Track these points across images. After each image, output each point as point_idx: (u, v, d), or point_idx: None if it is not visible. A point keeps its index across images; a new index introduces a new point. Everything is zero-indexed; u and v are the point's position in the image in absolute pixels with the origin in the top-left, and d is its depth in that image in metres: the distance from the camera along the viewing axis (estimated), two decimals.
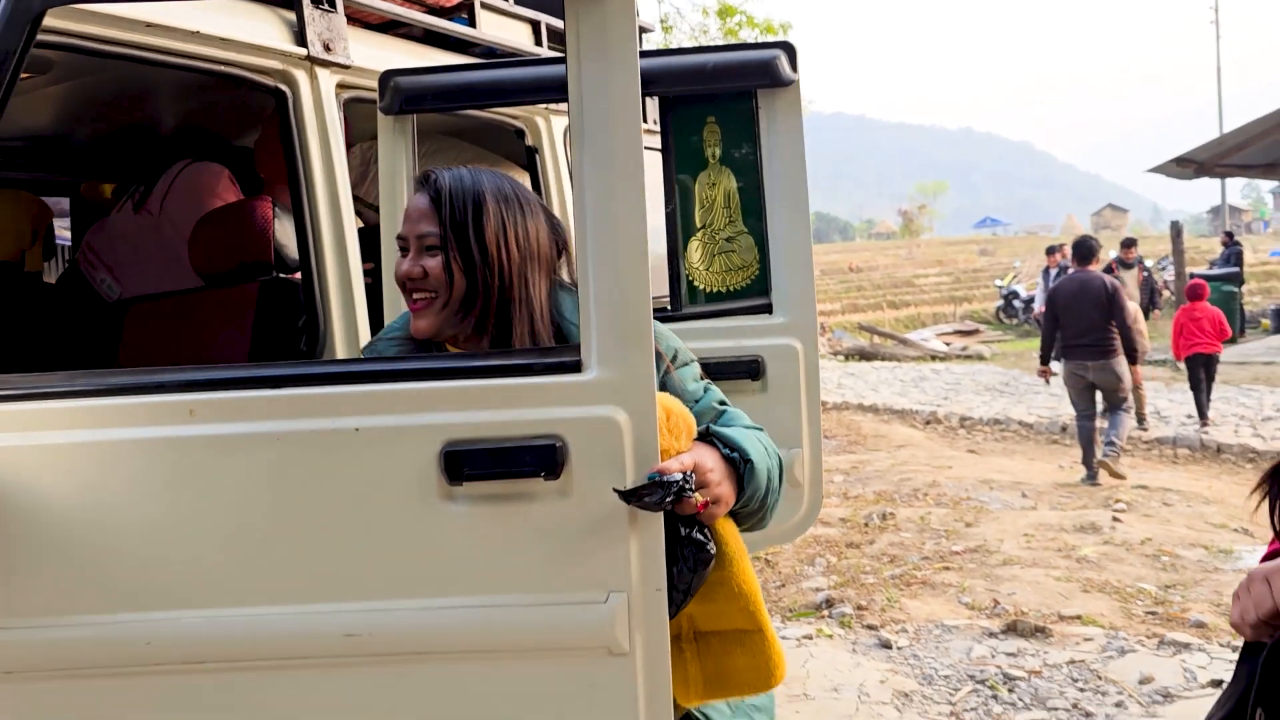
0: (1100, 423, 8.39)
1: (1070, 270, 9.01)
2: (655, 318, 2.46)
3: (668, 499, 1.40)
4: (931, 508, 7.64)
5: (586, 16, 1.46)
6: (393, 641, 1.45)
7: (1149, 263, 16.02)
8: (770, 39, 16.60)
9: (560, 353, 1.48)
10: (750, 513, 1.62)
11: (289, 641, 1.45)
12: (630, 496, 1.40)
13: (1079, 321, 8.19)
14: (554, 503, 1.44)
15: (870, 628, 5.06)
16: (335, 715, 1.47)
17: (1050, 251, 16.04)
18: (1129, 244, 14.42)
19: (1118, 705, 4.02)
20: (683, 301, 2.59)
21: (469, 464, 1.42)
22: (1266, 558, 1.58)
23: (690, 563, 1.48)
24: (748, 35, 17.04)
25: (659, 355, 1.67)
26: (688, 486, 1.43)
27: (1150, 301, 13.78)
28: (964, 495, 8.00)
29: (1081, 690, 4.21)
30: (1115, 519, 7.03)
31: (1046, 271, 15.74)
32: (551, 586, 1.44)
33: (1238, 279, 18.70)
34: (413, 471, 1.43)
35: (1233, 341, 17.64)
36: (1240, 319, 18.87)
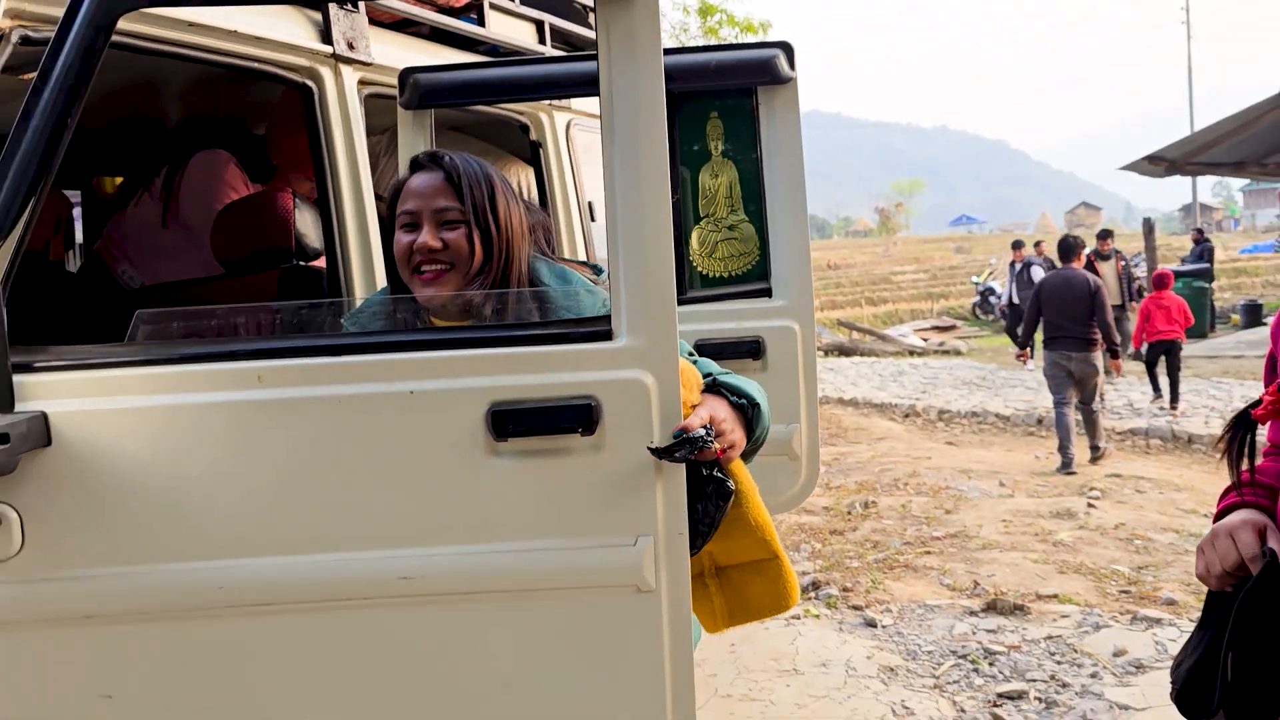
0: (1075, 415, 8.86)
1: (1033, 264, 9.72)
2: None
3: (693, 452, 1.57)
4: (912, 496, 7.84)
5: (616, 22, 1.61)
6: (444, 583, 1.60)
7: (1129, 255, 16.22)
8: (750, 37, 16.78)
9: (594, 323, 1.64)
10: (753, 450, 1.81)
11: (350, 584, 1.60)
12: (662, 453, 1.56)
13: (1062, 315, 8.66)
14: (588, 456, 1.60)
15: (855, 608, 5.24)
16: (393, 651, 1.62)
17: (1016, 246, 16.37)
18: (1105, 235, 14.62)
19: (1093, 676, 4.22)
20: (688, 286, 2.76)
21: (513, 422, 1.58)
22: (1219, 514, 1.75)
23: (714, 499, 1.66)
24: (728, 34, 17.20)
25: None
26: (709, 438, 1.59)
27: (1128, 293, 13.97)
28: (943, 484, 8.21)
29: (1059, 663, 4.40)
30: (1090, 505, 7.26)
31: (1013, 266, 16.04)
32: (586, 531, 1.60)
33: (1208, 275, 19.05)
34: (462, 430, 1.59)
35: (1200, 334, 18.00)
36: (1210, 314, 19.22)
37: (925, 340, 21.22)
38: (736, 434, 1.73)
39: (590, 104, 3.61)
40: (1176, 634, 4.65)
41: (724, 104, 2.66)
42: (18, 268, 1.60)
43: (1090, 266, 12.00)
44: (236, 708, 1.63)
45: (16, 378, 1.56)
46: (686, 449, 1.56)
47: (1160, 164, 19.19)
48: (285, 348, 1.62)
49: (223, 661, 1.62)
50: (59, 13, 1.92)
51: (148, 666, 1.62)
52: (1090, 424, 8.92)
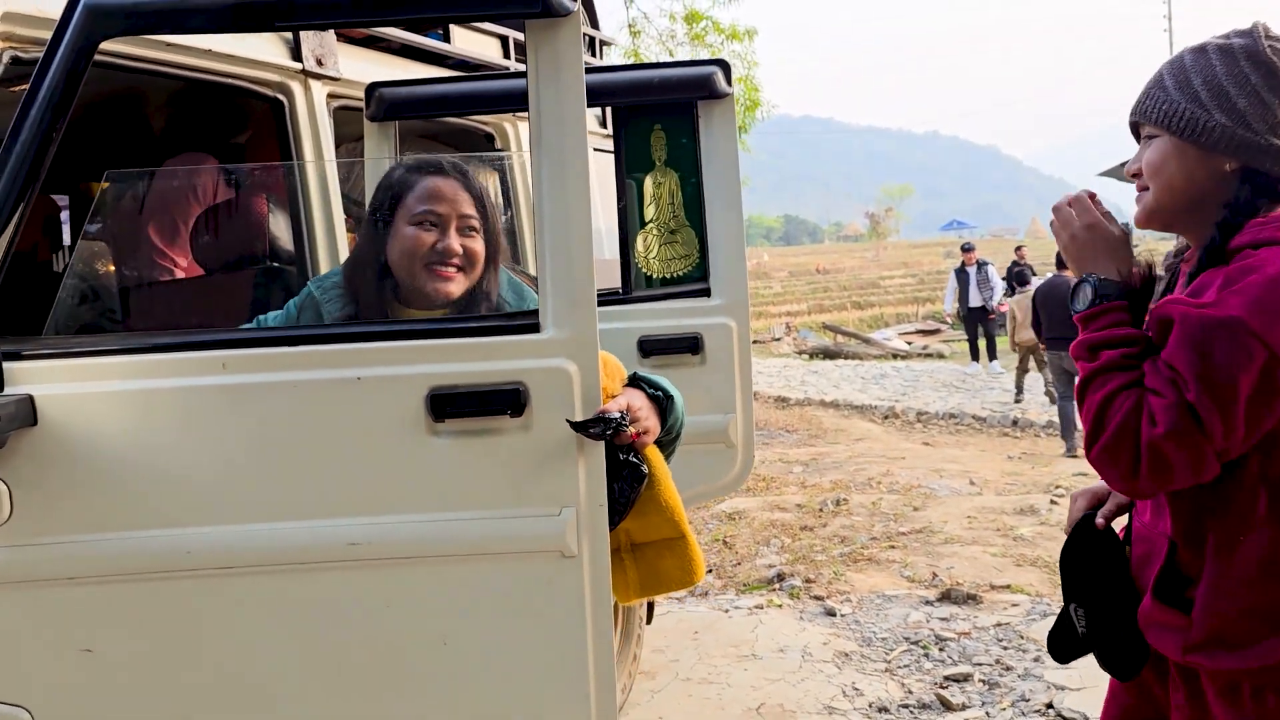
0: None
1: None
2: (608, 301, 2.83)
3: (607, 431, 1.76)
4: (883, 494, 8.05)
5: (543, 44, 1.81)
6: (388, 549, 1.80)
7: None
8: (736, 45, 16.99)
9: (522, 316, 1.84)
10: (670, 441, 2.00)
11: (303, 550, 1.79)
12: (579, 427, 1.76)
13: (1061, 317, 9.12)
14: (518, 436, 1.79)
15: (817, 598, 5.44)
16: (342, 610, 1.81)
17: (966, 250, 15.99)
18: None
19: (1035, 660, 4.43)
20: (633, 286, 2.96)
21: (450, 405, 1.77)
22: None
23: (628, 481, 1.85)
24: (714, 40, 17.37)
25: None
26: (623, 423, 1.79)
27: None
28: (915, 483, 8.43)
29: (1005, 648, 4.61)
30: (1053, 502, 7.47)
31: (962, 270, 15.47)
32: (516, 503, 1.80)
33: None
34: (404, 412, 1.78)
35: None
36: None
37: (909, 344, 21.48)
38: (651, 421, 1.91)
39: None
40: None
41: (667, 117, 2.86)
42: (7, 267, 1.79)
43: None
44: (202, 659, 1.82)
45: (6, 364, 1.75)
46: (600, 427, 1.76)
47: None
48: (247, 338, 1.82)
49: (190, 618, 1.81)
50: (47, 35, 2.12)
51: (123, 623, 1.81)
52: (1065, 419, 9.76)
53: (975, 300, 15.30)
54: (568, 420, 1.76)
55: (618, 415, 1.78)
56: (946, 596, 5.30)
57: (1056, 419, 10.52)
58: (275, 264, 3.06)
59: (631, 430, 1.83)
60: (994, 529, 6.82)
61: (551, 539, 1.80)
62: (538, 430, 1.79)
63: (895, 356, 19.92)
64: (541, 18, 1.77)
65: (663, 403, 1.95)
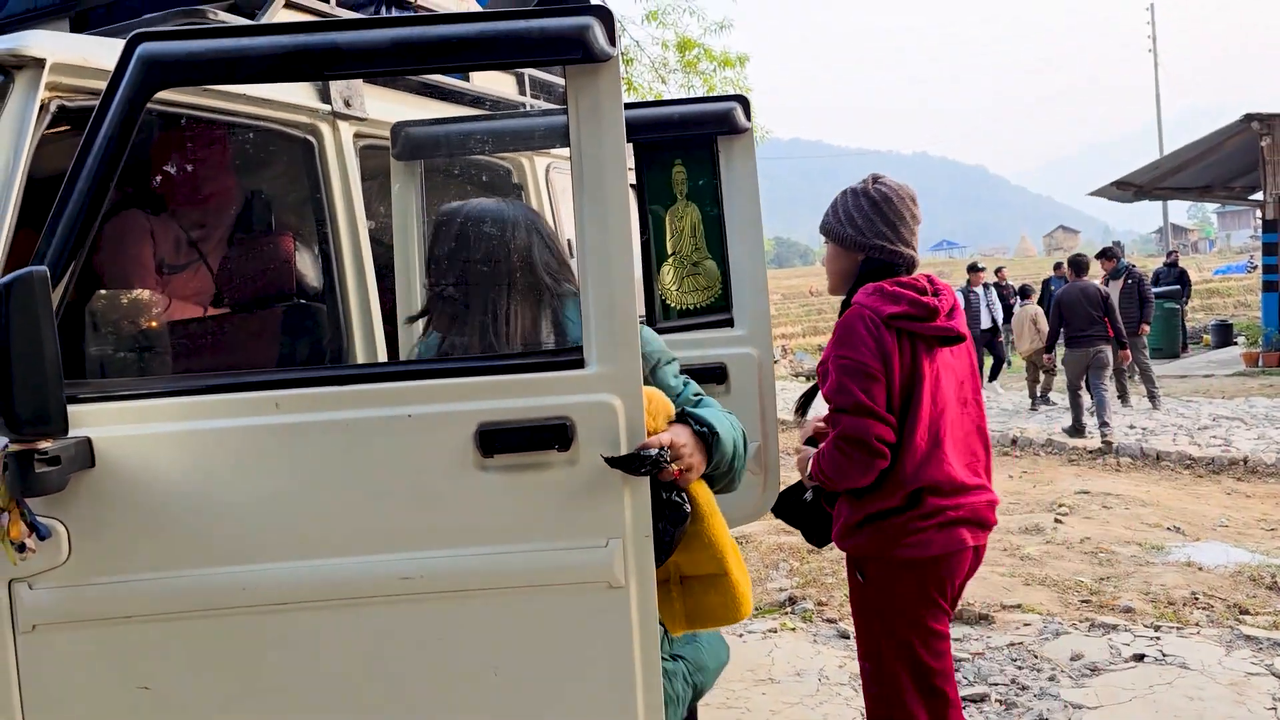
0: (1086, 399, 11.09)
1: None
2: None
3: (644, 468, 1.80)
4: None
5: (584, 89, 1.87)
6: (440, 582, 1.84)
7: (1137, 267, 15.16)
8: (729, 71, 17.13)
9: (567, 352, 1.89)
10: (721, 475, 2.02)
11: (356, 584, 1.84)
12: (615, 462, 1.80)
13: (1082, 319, 10.95)
14: (564, 469, 1.84)
15: (830, 621, 5.46)
16: (395, 642, 1.85)
17: (974, 270, 15.70)
18: (1105, 255, 14.02)
19: (1050, 679, 4.46)
20: (657, 317, 3.01)
21: (498, 441, 1.82)
22: None
23: (671, 519, 1.89)
24: (706, 68, 17.51)
25: (646, 356, 2.09)
26: (664, 458, 1.83)
27: (1141, 314, 13.21)
28: None
29: (1019, 668, 4.64)
30: (1058, 521, 7.52)
31: (969, 291, 15.10)
32: (563, 535, 1.84)
33: (1179, 296, 19.43)
34: (454, 448, 1.83)
35: (1172, 354, 18.34)
36: (1183, 335, 19.60)
37: None
38: (695, 459, 1.93)
39: (568, 150, 3.87)
40: (1130, 638, 4.90)
41: (687, 152, 2.93)
42: (63, 312, 1.84)
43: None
44: (258, 695, 1.86)
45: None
46: (636, 464, 1.80)
47: (1128, 189, 19.61)
48: (299, 378, 1.86)
49: (247, 655, 1.85)
50: (88, 84, 2.18)
51: (180, 660, 1.85)
52: (1101, 403, 10.68)
53: (985, 322, 15.04)
54: (603, 456, 1.80)
55: (656, 452, 1.82)
56: (958, 617, 5.33)
57: (1054, 437, 11.05)
58: (302, 301, 3.11)
59: (674, 467, 1.86)
60: (1000, 549, 6.85)
61: (599, 570, 1.84)
62: (584, 463, 1.84)
63: None
64: (583, 63, 1.83)
65: (708, 439, 1.98)
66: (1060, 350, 11.64)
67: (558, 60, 1.87)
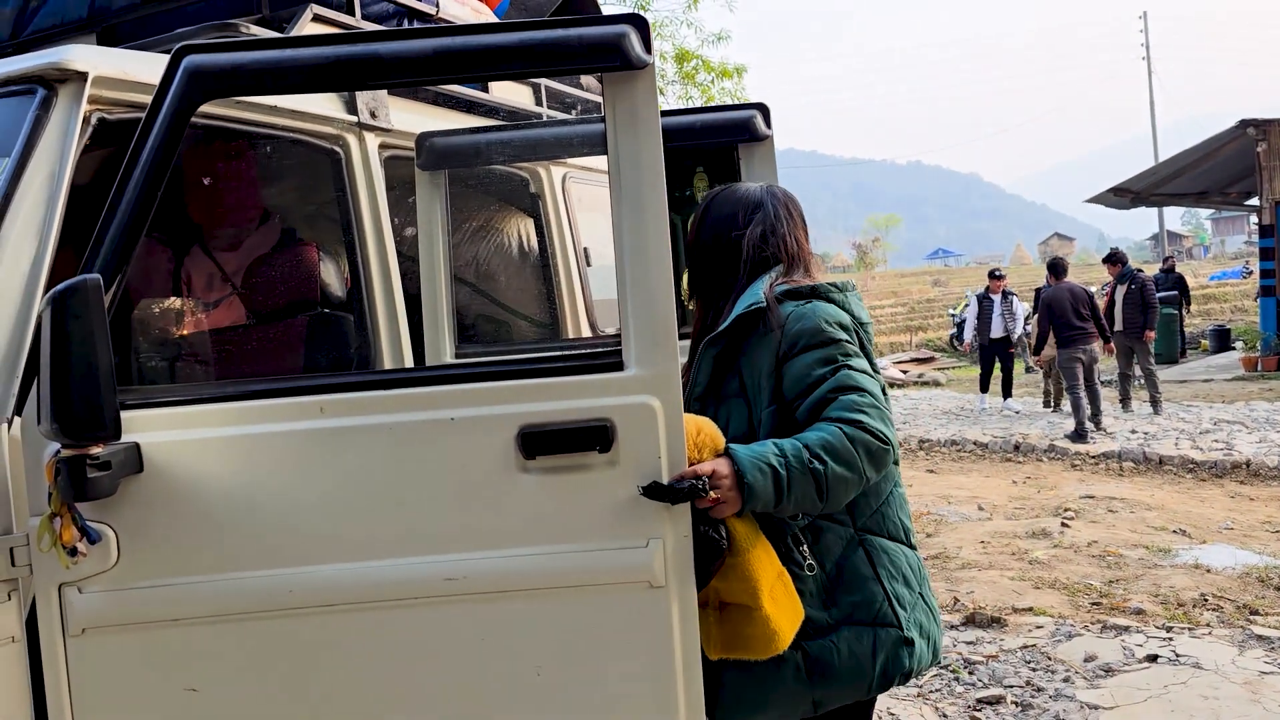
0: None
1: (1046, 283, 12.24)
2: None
3: (678, 497, 1.83)
4: None
5: (620, 96, 1.91)
6: (484, 583, 1.87)
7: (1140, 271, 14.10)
8: (727, 82, 17.22)
9: (607, 355, 1.92)
10: (779, 509, 1.91)
11: (401, 586, 1.86)
12: (651, 491, 1.83)
13: (1072, 318, 11.41)
14: (605, 471, 1.87)
15: None
16: (440, 642, 1.88)
17: (995, 276, 15.02)
18: (1113, 260, 13.76)
19: (1065, 681, 4.49)
20: (680, 324, 3.05)
21: (540, 443, 1.85)
22: None
23: (705, 554, 1.91)
24: (704, 79, 17.60)
25: (783, 337, 2.07)
26: (700, 488, 1.84)
27: (1145, 320, 12.78)
28: (924, 510, 8.49)
29: (1034, 670, 4.67)
30: (1064, 525, 7.55)
31: (986, 297, 14.65)
32: (605, 535, 1.87)
33: (1176, 302, 19.49)
34: (496, 450, 1.86)
35: (1171, 359, 18.39)
36: (1181, 340, 19.66)
37: (905, 372, 21.57)
38: (730, 494, 1.86)
39: (584, 159, 3.91)
40: (1143, 640, 4.92)
41: (708, 159, 2.96)
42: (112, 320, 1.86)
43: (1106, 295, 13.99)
44: (305, 695, 1.88)
45: None
46: (670, 495, 1.83)
47: (1125, 196, 19.70)
48: (343, 382, 1.89)
49: (293, 656, 1.88)
50: (129, 97, 2.21)
51: (227, 663, 1.88)
52: (1094, 397, 11.41)
53: (998, 330, 14.28)
54: (639, 487, 1.83)
55: (689, 484, 1.84)
56: (971, 620, 5.36)
57: (1057, 443, 11.07)
58: (327, 310, 3.13)
59: (710, 497, 1.85)
60: (1009, 553, 6.89)
61: (640, 570, 1.87)
62: (624, 465, 1.87)
63: (892, 385, 20.03)
64: (620, 70, 1.87)
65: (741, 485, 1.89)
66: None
67: (596, 68, 1.90)
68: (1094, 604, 5.66)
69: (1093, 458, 10.43)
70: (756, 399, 2.09)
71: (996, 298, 14.48)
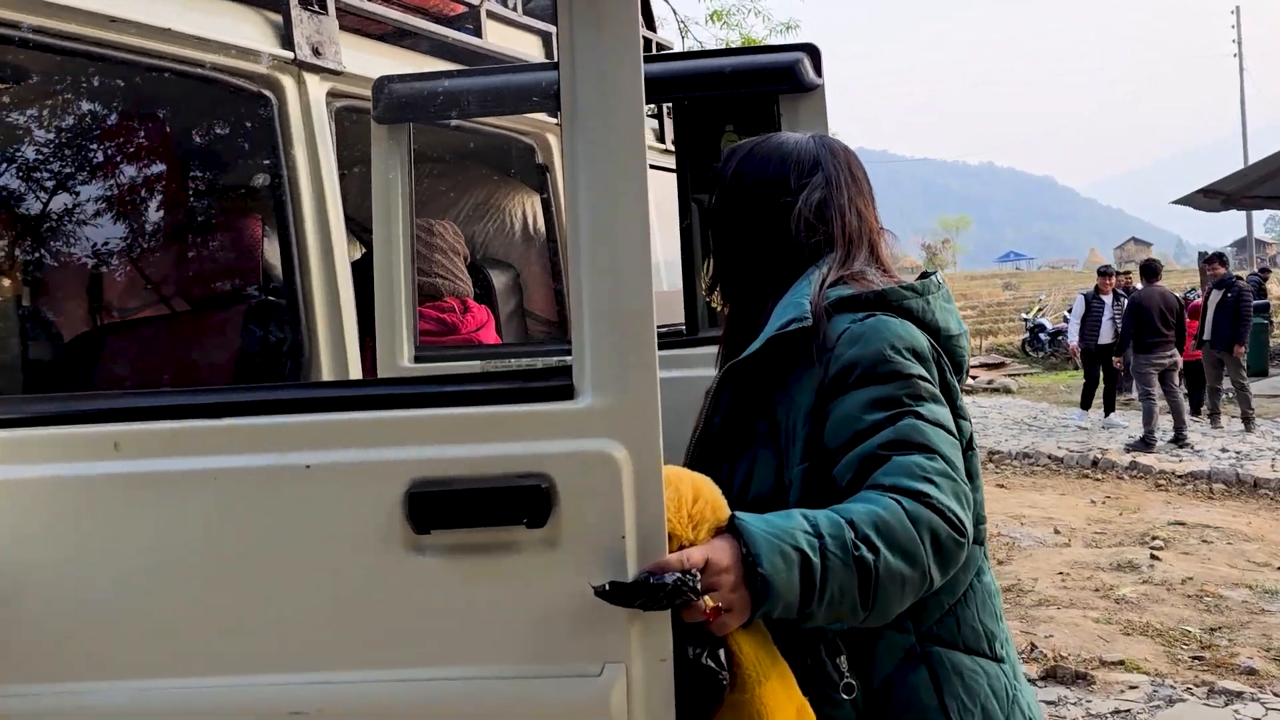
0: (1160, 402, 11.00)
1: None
2: (669, 344, 2.24)
3: (656, 601, 1.15)
4: None
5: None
6: None
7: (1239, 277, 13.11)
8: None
9: (548, 376, 1.26)
10: (805, 616, 1.25)
11: (226, 719, 1.23)
12: (611, 594, 1.14)
13: (1158, 324, 10.97)
14: (540, 555, 1.21)
15: None
16: None
17: (1105, 273, 13.48)
18: (1214, 259, 12.88)
19: None
20: (700, 324, 2.38)
21: (438, 508, 1.20)
22: None
23: (696, 689, 1.23)
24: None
25: (829, 363, 1.42)
26: (687, 587, 1.16)
27: (1236, 331, 11.51)
28: (995, 531, 7.73)
29: None
30: (1154, 557, 6.75)
31: (1095, 297, 12.97)
32: (537, 656, 1.21)
33: (1267, 311, 18.37)
34: (373, 517, 1.21)
35: (1261, 372, 17.21)
36: (1266, 351, 18.48)
37: (974, 378, 20.61)
38: (736, 595, 1.21)
39: None
40: (1260, 711, 4.16)
41: (740, 117, 2.28)
42: None
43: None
44: None
45: None
46: (644, 599, 1.14)
47: (1216, 197, 18.58)
48: (149, 407, 1.25)
49: None
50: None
51: None
52: (1177, 408, 10.97)
53: (1106, 336, 12.55)
54: (593, 586, 1.15)
55: (674, 579, 1.16)
56: (1052, 675, 4.63)
57: (1139, 459, 10.34)
58: (261, 296, 2.53)
59: (707, 602, 1.18)
60: (1091, 588, 6.13)
61: (589, 708, 1.20)
62: (569, 547, 1.21)
63: (963, 392, 19.11)
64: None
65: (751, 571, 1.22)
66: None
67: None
68: (1195, 658, 4.88)
69: (1179, 477, 9.56)
70: (790, 450, 1.43)
71: (1107, 298, 12.79)
